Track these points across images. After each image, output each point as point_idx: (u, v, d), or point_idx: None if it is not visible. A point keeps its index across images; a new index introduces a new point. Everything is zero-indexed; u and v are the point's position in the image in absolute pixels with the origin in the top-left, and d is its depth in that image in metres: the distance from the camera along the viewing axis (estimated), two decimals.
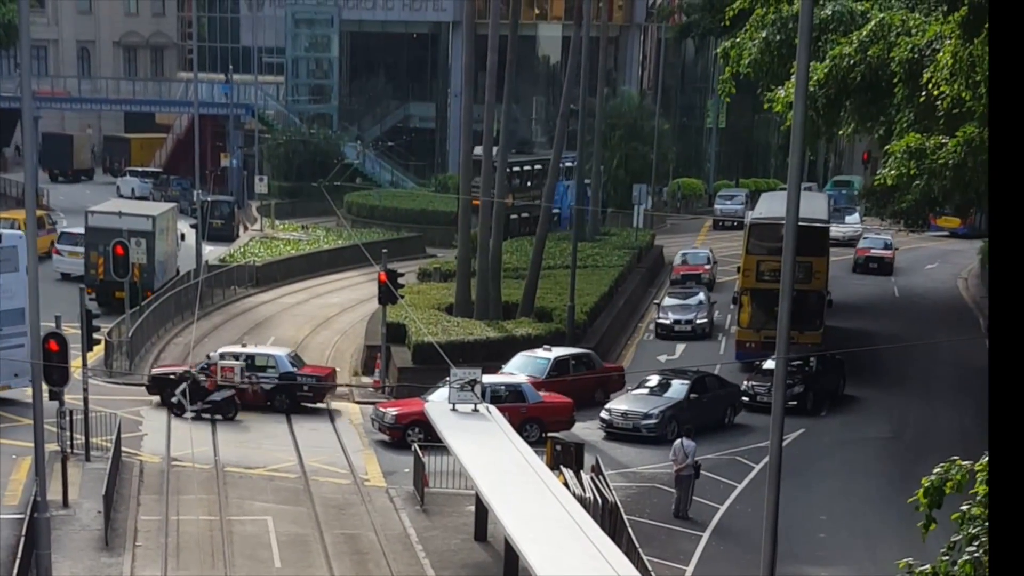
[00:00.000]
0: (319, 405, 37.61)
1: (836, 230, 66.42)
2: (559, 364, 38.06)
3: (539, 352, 38.78)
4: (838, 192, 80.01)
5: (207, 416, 35.31)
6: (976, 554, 11.15)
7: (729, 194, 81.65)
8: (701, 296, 50.10)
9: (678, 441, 30.09)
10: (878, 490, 31.41)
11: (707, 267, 57.75)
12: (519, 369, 37.78)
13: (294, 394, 37.01)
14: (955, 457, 12.27)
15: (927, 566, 11.70)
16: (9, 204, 73.96)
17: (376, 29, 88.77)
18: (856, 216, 73.90)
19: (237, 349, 38.35)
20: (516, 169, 61.73)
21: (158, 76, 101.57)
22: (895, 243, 65.66)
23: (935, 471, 12.11)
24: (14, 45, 74.03)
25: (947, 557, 11.63)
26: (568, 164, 64.16)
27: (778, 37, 35.71)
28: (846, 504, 30.79)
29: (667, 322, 48.59)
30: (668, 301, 50.17)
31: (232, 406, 35.75)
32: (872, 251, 63.80)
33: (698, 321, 48.22)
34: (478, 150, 61.90)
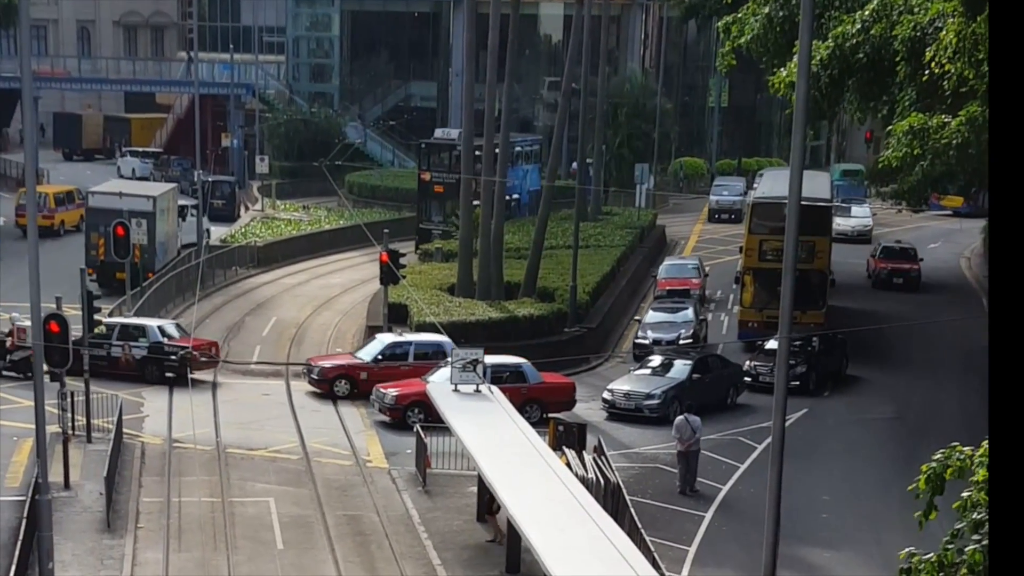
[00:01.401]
0: (196, 376, 37.71)
1: (843, 224, 62.79)
2: (390, 348, 37.22)
3: (385, 337, 38.24)
4: (846, 182, 73.60)
5: (7, 373, 36.22)
6: (984, 542, 11.05)
7: (725, 183, 75.33)
8: (690, 312, 43.54)
9: (681, 418, 30.17)
10: (881, 471, 31.37)
11: (696, 280, 49.24)
12: (364, 352, 37.73)
13: (162, 364, 37.28)
14: (956, 443, 12.19)
15: (931, 555, 11.58)
16: (10, 184, 73.92)
17: (377, 8, 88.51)
18: (866, 208, 68.08)
19: (116, 319, 38.88)
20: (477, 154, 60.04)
21: (158, 56, 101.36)
22: (912, 244, 56.88)
23: (935, 457, 12.02)
24: (14, 25, 73.82)
25: (952, 545, 11.52)
26: (528, 148, 63.62)
27: (781, 13, 35.54)
28: (849, 485, 30.76)
29: (646, 342, 42.06)
30: (650, 316, 43.67)
31: (28, 365, 35.87)
32: (893, 264, 53.94)
33: (682, 341, 41.60)
34: (439, 132, 61.33)
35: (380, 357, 37.06)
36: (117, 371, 37.00)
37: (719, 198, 72.55)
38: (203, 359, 37.81)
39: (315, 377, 37.11)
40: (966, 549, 11.14)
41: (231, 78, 79.83)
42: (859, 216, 66.73)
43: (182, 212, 56.68)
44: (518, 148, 62.64)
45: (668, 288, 47.91)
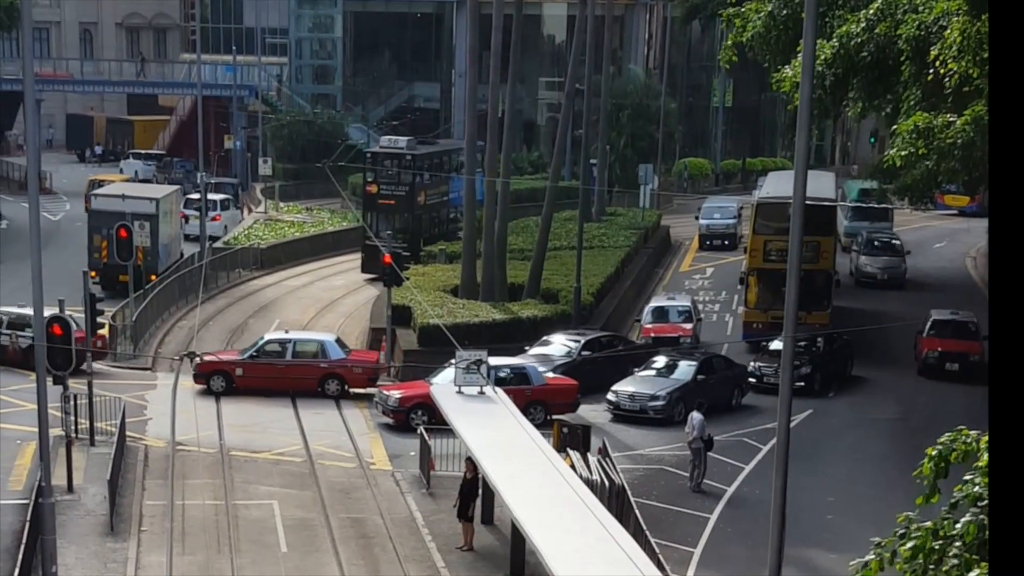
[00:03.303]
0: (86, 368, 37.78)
1: (870, 264, 53.12)
2: (269, 346, 37.44)
3: (270, 334, 39.09)
4: (864, 200, 60.91)
5: None
6: (980, 516, 11.03)
7: (717, 205, 66.06)
8: (577, 347, 38.30)
9: (691, 414, 30.38)
10: (886, 472, 31.26)
11: (687, 327, 42.45)
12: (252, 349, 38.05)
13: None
14: (962, 427, 12.17)
15: (927, 523, 11.54)
16: (12, 187, 73.96)
17: (380, 9, 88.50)
18: (896, 243, 55.28)
19: (6, 309, 38.95)
20: (425, 162, 57.55)
21: (160, 58, 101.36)
22: (972, 317, 41.74)
23: (940, 441, 12.01)
24: (16, 27, 73.84)
25: (949, 516, 11.50)
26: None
27: (784, 11, 35.45)
28: (854, 486, 30.67)
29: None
30: (554, 339, 39.15)
31: None
32: (944, 344, 40.28)
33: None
34: (384, 140, 59.94)
35: (255, 354, 37.14)
36: (4, 359, 37.50)
37: (710, 222, 63.23)
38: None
39: (194, 372, 37.08)
40: (961, 520, 11.11)
41: (234, 80, 79.79)
42: (887, 254, 53.96)
43: (225, 204, 60.09)
44: (462, 157, 58.92)
45: (654, 336, 41.63)
